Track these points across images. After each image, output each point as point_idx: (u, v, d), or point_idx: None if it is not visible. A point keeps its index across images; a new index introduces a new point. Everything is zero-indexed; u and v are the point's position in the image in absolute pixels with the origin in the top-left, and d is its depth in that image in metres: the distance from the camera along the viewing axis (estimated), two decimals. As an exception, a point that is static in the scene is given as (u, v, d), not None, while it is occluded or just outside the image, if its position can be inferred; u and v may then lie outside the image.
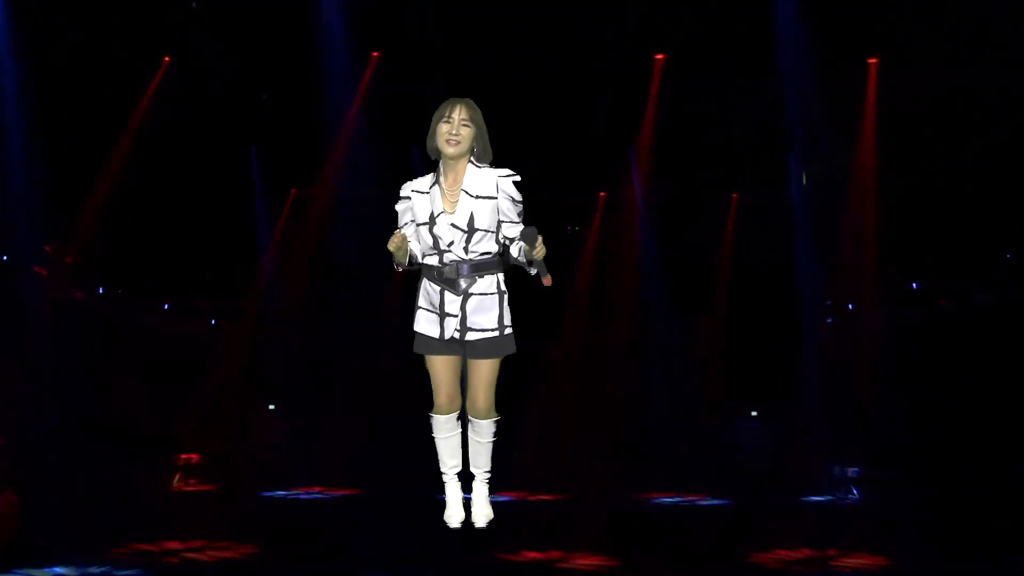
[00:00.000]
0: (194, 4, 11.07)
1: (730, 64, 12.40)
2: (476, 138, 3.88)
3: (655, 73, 13.02)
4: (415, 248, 3.94)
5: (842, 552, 9.31)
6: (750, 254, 15.74)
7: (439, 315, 3.88)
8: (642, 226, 15.59)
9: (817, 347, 15.30)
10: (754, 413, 15.58)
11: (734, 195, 16.04)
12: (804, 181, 15.43)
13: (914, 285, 12.36)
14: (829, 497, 13.45)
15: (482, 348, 3.88)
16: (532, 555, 8.98)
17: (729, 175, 15.39)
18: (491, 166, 3.94)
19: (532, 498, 13.70)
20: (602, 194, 16.19)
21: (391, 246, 3.79)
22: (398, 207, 3.97)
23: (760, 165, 14.90)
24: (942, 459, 11.65)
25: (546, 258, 3.75)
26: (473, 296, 3.87)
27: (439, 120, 3.87)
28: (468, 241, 3.84)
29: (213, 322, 15.62)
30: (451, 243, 3.84)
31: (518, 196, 3.87)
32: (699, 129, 14.30)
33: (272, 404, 15.67)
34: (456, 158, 3.86)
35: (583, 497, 13.51)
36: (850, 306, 14.27)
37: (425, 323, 3.91)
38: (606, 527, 11.06)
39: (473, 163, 3.90)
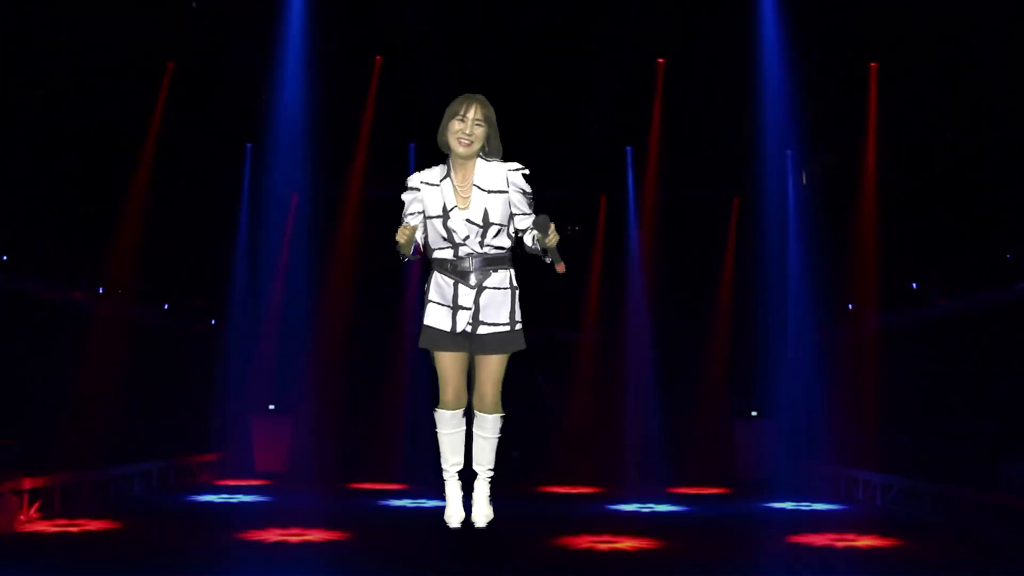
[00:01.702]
0: (194, 4, 11.06)
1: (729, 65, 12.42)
2: (489, 137, 3.89)
3: (658, 77, 13.04)
4: (418, 236, 3.93)
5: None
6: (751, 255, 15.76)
7: (451, 308, 3.87)
8: (651, 227, 15.58)
9: (816, 348, 15.33)
10: (754, 413, 15.57)
11: (736, 198, 16.04)
12: (804, 181, 15.44)
13: (914, 285, 12.35)
14: (827, 502, 13.40)
15: (492, 343, 3.88)
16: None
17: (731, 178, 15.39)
18: (500, 160, 3.95)
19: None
20: (603, 197, 16.21)
21: (401, 238, 3.77)
22: (405, 196, 3.93)
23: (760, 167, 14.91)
24: (943, 460, 11.64)
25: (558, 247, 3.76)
26: (486, 290, 3.87)
27: (452, 117, 3.86)
28: (483, 235, 3.84)
29: (213, 322, 15.62)
30: (466, 237, 3.84)
31: (528, 188, 3.88)
32: (701, 132, 14.32)
33: (272, 404, 15.67)
34: (467, 157, 3.87)
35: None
36: (850, 306, 14.26)
37: (436, 317, 3.89)
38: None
39: (482, 157, 3.90)
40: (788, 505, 12.57)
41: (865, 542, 9.44)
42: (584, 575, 8.19)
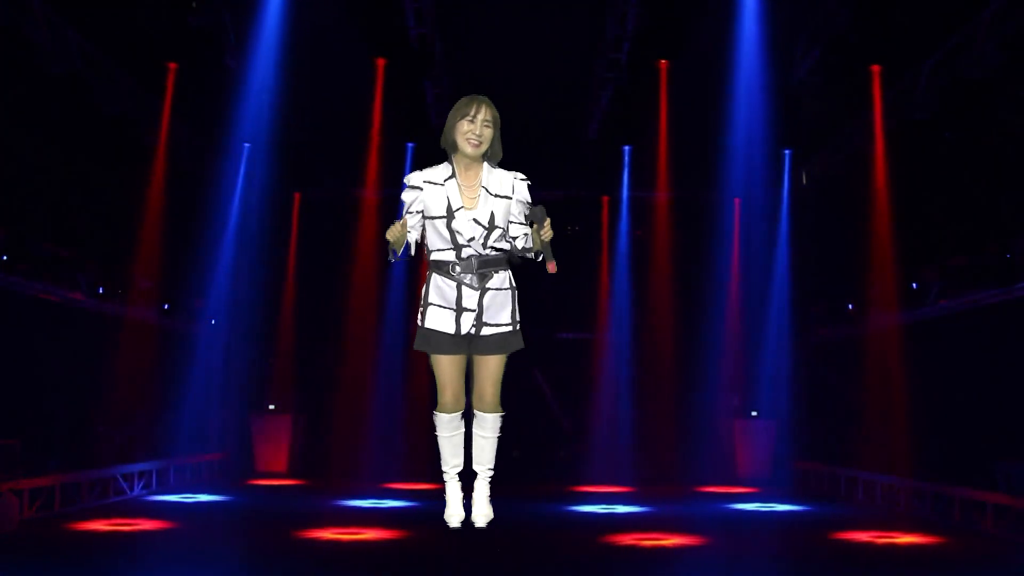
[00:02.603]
0: (194, 3, 11.07)
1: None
2: (495, 139, 3.90)
3: (662, 79, 13.05)
4: (411, 238, 3.91)
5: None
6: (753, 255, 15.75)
7: (455, 311, 3.86)
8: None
9: (815, 348, 15.33)
10: (754, 413, 15.56)
11: (736, 199, 15.97)
12: (804, 181, 15.43)
13: (914, 285, 12.34)
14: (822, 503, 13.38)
15: (494, 343, 3.88)
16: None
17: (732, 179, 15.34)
18: (500, 165, 3.96)
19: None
20: (605, 197, 16.20)
21: (391, 236, 3.76)
22: (406, 196, 3.90)
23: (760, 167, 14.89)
24: (945, 461, 11.63)
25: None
26: (489, 291, 3.87)
27: (461, 117, 3.85)
28: (487, 237, 3.84)
29: (212, 322, 15.60)
30: (471, 238, 3.84)
31: (529, 199, 3.90)
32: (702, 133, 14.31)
33: (272, 404, 15.66)
34: (475, 158, 3.87)
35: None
36: (850, 306, 14.25)
37: (438, 320, 3.87)
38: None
39: (487, 162, 3.91)
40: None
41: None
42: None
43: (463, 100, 3.88)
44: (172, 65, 12.36)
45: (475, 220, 3.82)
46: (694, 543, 9.20)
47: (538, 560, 8.51)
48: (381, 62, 13.13)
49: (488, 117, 3.85)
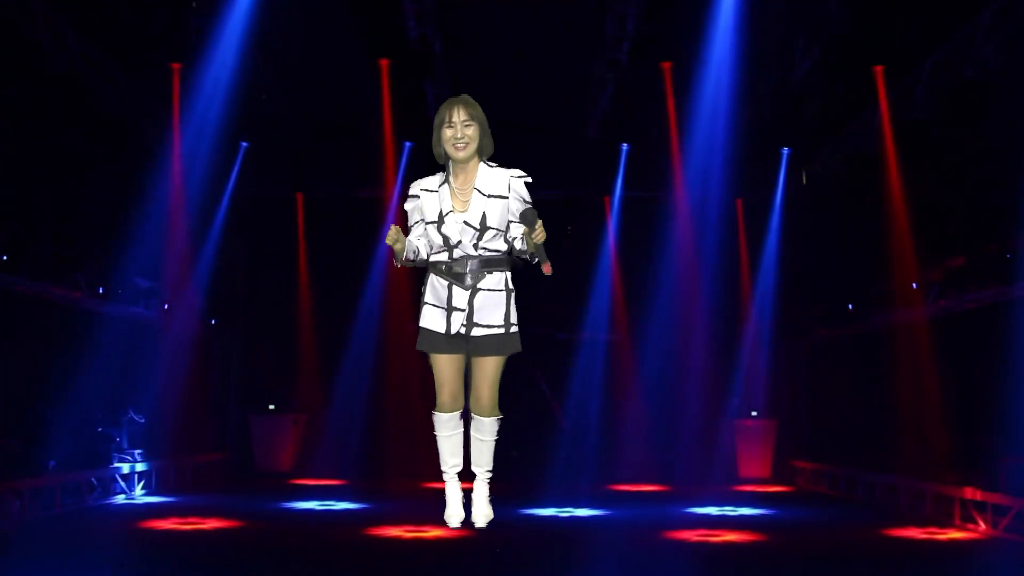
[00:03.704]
0: (194, 3, 11.07)
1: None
2: (481, 134, 3.89)
3: (666, 80, 13.07)
4: (420, 245, 3.94)
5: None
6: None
7: (446, 310, 3.88)
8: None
9: (815, 348, 15.32)
10: (754, 413, 15.57)
11: (739, 200, 15.95)
12: (804, 180, 15.43)
13: (914, 285, 12.34)
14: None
15: (487, 345, 3.88)
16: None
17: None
18: (499, 164, 3.96)
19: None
20: (607, 198, 16.19)
21: (388, 240, 3.81)
22: (407, 206, 3.98)
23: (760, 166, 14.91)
24: (946, 460, 11.63)
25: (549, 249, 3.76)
26: (481, 292, 3.88)
27: (441, 125, 3.87)
28: (479, 238, 3.85)
29: (213, 322, 15.61)
30: (459, 241, 3.85)
31: (528, 197, 3.90)
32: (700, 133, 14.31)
33: (272, 404, 15.67)
34: (466, 161, 3.87)
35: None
36: (850, 306, 14.26)
37: (432, 319, 3.90)
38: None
39: (485, 163, 3.92)
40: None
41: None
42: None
43: (441, 107, 3.91)
44: (176, 65, 12.36)
45: (465, 222, 3.84)
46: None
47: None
48: (385, 63, 13.12)
49: (466, 116, 3.85)
